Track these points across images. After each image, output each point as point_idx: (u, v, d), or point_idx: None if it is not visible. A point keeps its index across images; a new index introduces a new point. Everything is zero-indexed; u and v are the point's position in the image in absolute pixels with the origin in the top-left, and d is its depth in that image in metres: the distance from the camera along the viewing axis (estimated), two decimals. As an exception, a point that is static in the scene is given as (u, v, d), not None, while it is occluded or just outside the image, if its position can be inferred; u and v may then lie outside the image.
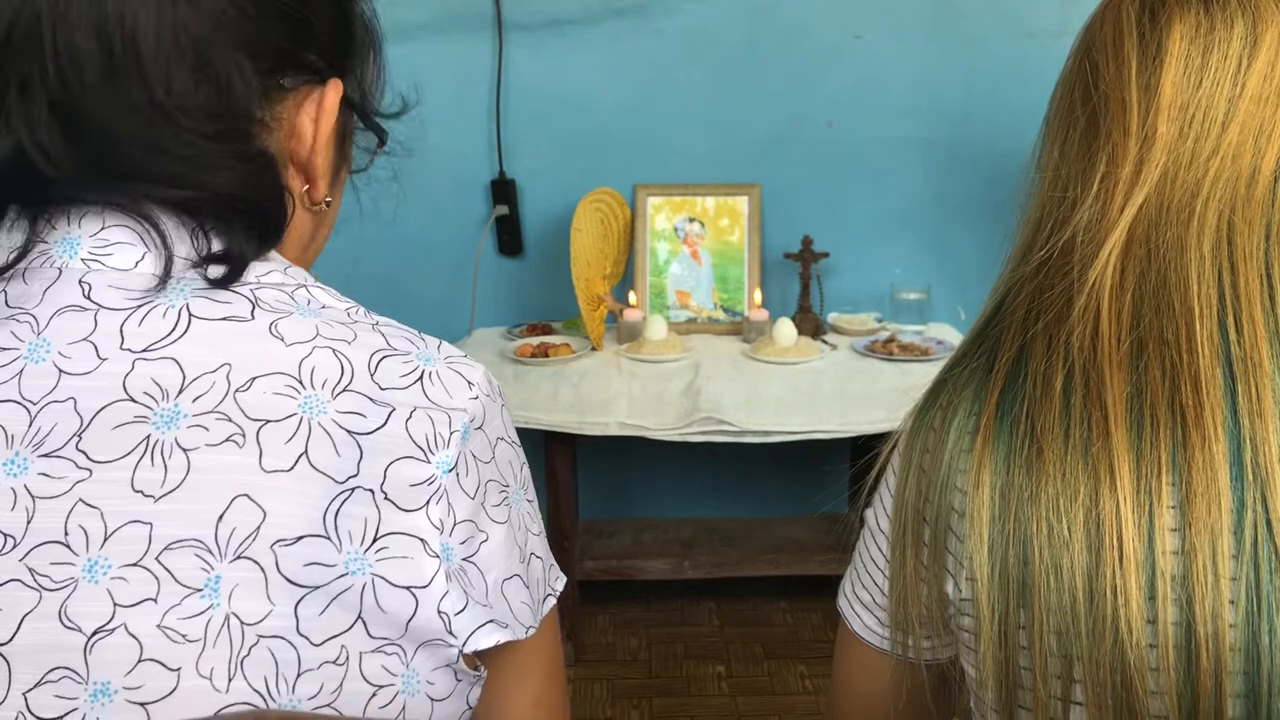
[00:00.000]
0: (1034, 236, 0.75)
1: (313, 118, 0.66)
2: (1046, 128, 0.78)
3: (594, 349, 2.56)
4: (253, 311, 0.60)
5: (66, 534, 0.54)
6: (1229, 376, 0.65)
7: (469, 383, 0.62)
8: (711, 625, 2.78)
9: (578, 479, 2.72)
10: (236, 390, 0.57)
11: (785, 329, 2.50)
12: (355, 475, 0.57)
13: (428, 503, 0.58)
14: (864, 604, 0.83)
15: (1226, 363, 0.65)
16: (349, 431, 0.57)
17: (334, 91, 0.67)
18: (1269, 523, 0.62)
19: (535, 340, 2.60)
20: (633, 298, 2.70)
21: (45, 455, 0.55)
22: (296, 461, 0.56)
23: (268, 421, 0.56)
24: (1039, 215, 0.76)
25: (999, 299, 0.77)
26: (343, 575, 0.56)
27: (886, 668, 0.83)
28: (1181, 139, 0.69)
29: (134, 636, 0.54)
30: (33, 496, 0.55)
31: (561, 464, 2.56)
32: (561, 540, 2.58)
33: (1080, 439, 0.66)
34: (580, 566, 2.66)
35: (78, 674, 0.54)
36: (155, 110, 0.58)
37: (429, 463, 0.59)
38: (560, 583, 0.71)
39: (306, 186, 0.68)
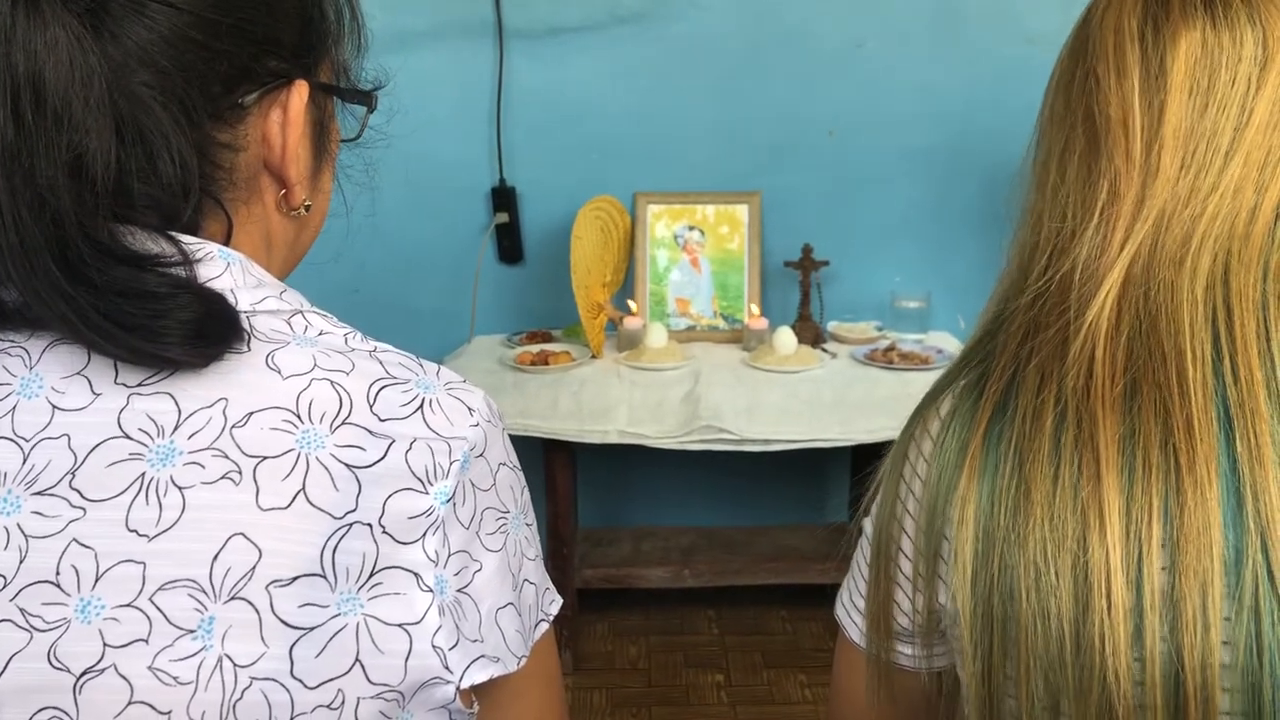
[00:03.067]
0: (1030, 261, 0.73)
1: (280, 124, 0.63)
2: (1042, 133, 0.76)
3: (594, 357, 2.56)
4: (249, 342, 0.59)
5: (58, 574, 0.54)
6: (1226, 422, 0.63)
7: (469, 409, 0.61)
8: (711, 634, 2.77)
9: (577, 487, 2.71)
10: (233, 426, 0.56)
11: (785, 337, 2.50)
12: (354, 510, 0.56)
13: (424, 535, 0.58)
14: (861, 612, 0.83)
15: (1223, 408, 0.63)
16: (348, 465, 0.57)
17: (298, 95, 0.64)
18: (1270, 573, 0.60)
19: (535, 348, 2.60)
20: (632, 305, 2.70)
21: (38, 493, 0.55)
22: (294, 499, 0.55)
23: (265, 458, 0.56)
24: (1035, 239, 0.73)
25: (991, 324, 0.75)
26: (336, 616, 0.55)
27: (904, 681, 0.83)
28: (1184, 172, 0.67)
29: (124, 678, 0.53)
30: (26, 535, 0.54)
31: (561, 472, 2.56)
32: (561, 548, 2.57)
33: (1070, 481, 0.65)
34: (580, 575, 2.65)
35: (67, 715, 0.53)
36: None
37: (427, 494, 0.58)
38: (554, 606, 0.70)
39: (283, 192, 0.66)
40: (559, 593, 0.72)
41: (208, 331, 0.56)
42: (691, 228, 2.72)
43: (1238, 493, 0.62)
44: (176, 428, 0.56)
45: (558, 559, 2.57)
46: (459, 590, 0.59)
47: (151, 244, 0.57)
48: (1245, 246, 0.66)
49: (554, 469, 2.55)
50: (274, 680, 0.54)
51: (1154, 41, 0.68)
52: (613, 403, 2.38)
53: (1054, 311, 0.69)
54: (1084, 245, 0.69)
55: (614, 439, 2.38)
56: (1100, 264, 0.68)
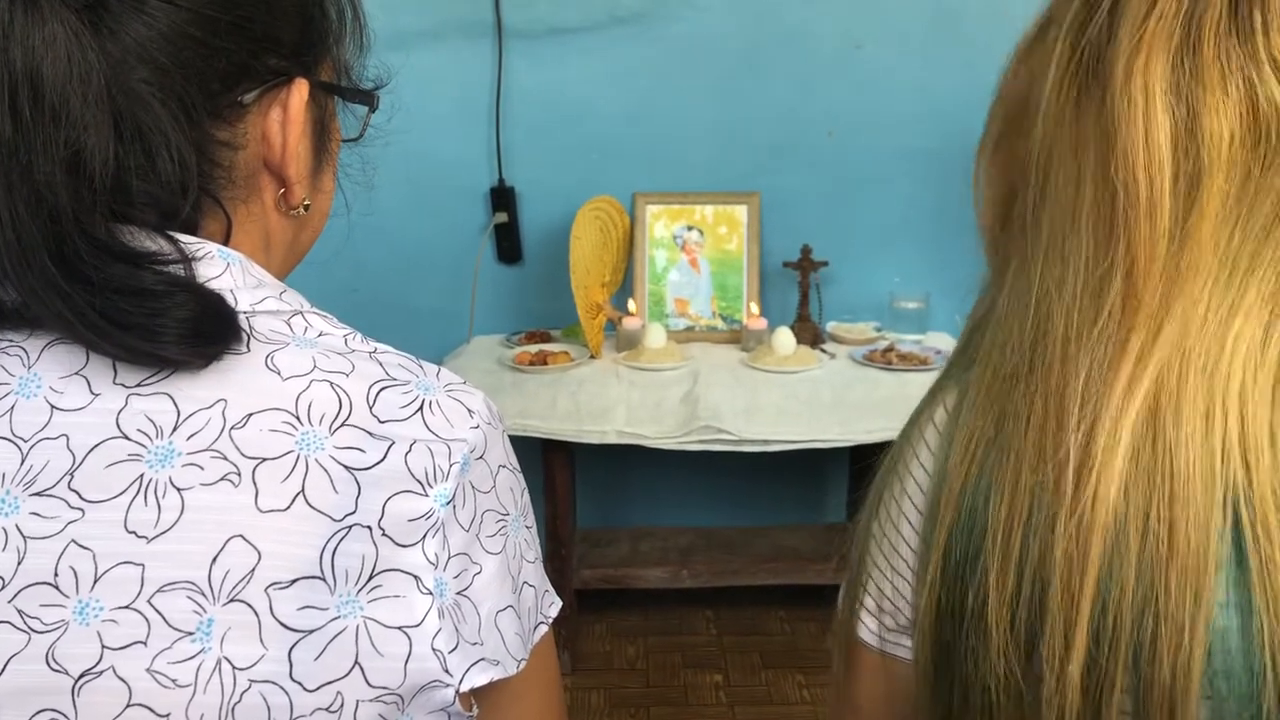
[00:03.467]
0: (1017, 325, 0.63)
1: (280, 122, 0.63)
2: (1041, 160, 0.66)
3: (593, 357, 2.56)
4: (248, 343, 0.58)
5: (57, 575, 0.54)
6: (1239, 553, 0.56)
7: (469, 411, 0.61)
8: (709, 634, 2.77)
9: (576, 487, 2.72)
10: (232, 427, 0.56)
11: (784, 338, 2.50)
12: (353, 512, 0.56)
13: (424, 537, 0.57)
14: (867, 609, 0.82)
15: (1236, 545, 0.57)
16: (347, 468, 0.56)
17: (298, 94, 0.63)
18: None
19: (534, 348, 2.60)
20: (631, 305, 2.69)
21: (37, 494, 0.54)
22: (293, 501, 0.55)
23: (264, 460, 0.55)
24: (1027, 310, 0.63)
25: (957, 370, 0.67)
26: (335, 619, 0.55)
27: (894, 669, 0.82)
28: (1213, 281, 0.57)
29: (122, 680, 0.53)
30: (24, 536, 0.54)
31: (560, 472, 2.56)
32: (559, 549, 2.57)
33: (1024, 632, 0.59)
34: (578, 575, 2.65)
35: (66, 717, 0.53)
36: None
37: (427, 496, 0.58)
38: (554, 609, 0.70)
39: (282, 190, 0.65)
40: (557, 593, 0.72)
41: (205, 331, 0.56)
42: (690, 228, 2.72)
43: (1249, 624, 0.56)
44: (175, 428, 0.55)
45: (556, 559, 2.57)
46: (458, 593, 0.59)
47: (149, 242, 0.57)
48: (1261, 369, 0.57)
49: (552, 469, 2.54)
50: (273, 683, 0.54)
51: (1187, 115, 0.57)
52: (611, 403, 2.38)
53: (1032, 451, 0.60)
54: (1083, 366, 0.59)
55: (613, 439, 2.37)
56: (1106, 399, 0.58)
